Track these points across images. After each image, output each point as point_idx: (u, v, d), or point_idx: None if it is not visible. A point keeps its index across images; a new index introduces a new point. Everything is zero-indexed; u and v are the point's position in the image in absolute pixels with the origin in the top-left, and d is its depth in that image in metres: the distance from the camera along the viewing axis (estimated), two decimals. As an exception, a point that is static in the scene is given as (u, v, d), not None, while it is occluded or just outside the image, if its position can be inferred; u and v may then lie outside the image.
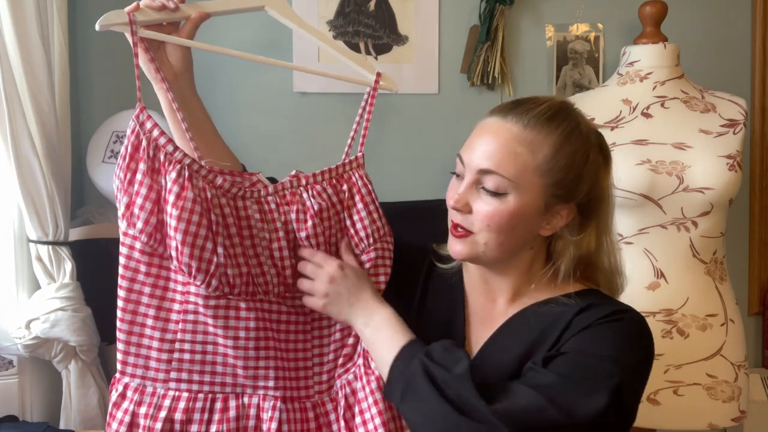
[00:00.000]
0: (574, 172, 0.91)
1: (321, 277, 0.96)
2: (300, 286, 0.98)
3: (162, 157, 0.90)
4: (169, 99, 0.96)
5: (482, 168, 0.89)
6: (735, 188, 1.48)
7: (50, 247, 1.49)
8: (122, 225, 0.91)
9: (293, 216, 0.95)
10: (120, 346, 0.93)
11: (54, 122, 1.48)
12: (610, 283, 1.00)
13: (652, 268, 1.51)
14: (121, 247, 0.91)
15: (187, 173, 0.89)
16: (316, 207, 0.95)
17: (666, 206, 1.48)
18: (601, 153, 0.95)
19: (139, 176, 0.89)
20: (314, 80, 1.82)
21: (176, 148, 0.90)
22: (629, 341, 0.89)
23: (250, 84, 1.84)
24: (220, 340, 0.93)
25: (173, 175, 0.88)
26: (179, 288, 0.92)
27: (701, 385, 1.51)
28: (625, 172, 1.47)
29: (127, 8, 0.91)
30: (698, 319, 1.50)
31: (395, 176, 1.84)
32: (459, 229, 0.93)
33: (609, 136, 1.54)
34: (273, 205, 0.96)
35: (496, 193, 0.89)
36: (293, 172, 0.98)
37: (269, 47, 1.82)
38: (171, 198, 0.88)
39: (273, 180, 1.01)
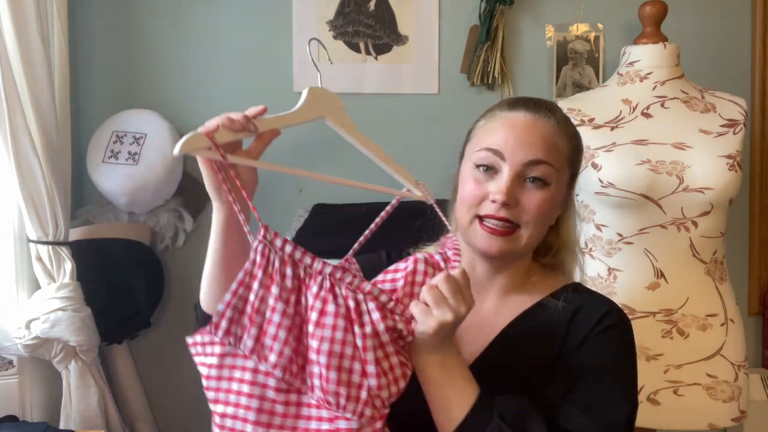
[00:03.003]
0: (580, 166, 1.01)
1: (455, 298, 0.83)
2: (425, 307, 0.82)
3: (302, 273, 0.80)
4: (226, 217, 0.86)
5: (534, 159, 0.92)
6: (735, 188, 1.48)
7: (50, 247, 1.49)
8: (249, 362, 0.78)
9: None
10: None
11: (54, 122, 1.48)
12: (581, 270, 1.07)
13: (652, 268, 1.51)
14: (250, 387, 0.78)
15: (328, 284, 0.79)
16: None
17: (666, 206, 1.48)
18: None
19: (271, 301, 0.78)
20: (314, 80, 1.82)
21: (314, 258, 0.80)
22: (623, 347, 0.95)
23: (250, 84, 1.84)
24: None
25: (314, 289, 0.79)
26: (324, 426, 0.79)
27: (701, 385, 1.51)
28: (625, 172, 1.47)
29: (204, 130, 0.79)
30: (698, 319, 1.50)
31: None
32: (502, 226, 0.92)
33: (609, 136, 1.54)
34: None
35: (544, 184, 0.93)
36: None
37: (269, 47, 1.82)
38: (313, 316, 0.78)
39: None
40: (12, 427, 1.43)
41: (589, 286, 1.58)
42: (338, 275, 0.79)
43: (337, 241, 1.06)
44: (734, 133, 1.53)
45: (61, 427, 1.56)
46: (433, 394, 0.87)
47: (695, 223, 1.49)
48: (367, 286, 0.80)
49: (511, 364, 0.94)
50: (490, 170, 0.93)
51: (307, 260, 0.80)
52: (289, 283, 0.79)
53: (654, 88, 1.59)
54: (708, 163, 1.47)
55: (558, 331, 0.94)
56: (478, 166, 0.94)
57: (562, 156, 0.95)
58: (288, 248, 0.79)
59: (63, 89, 1.60)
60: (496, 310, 1.00)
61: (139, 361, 1.83)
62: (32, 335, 1.47)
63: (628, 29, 1.84)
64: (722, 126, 1.54)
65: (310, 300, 0.79)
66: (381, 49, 1.84)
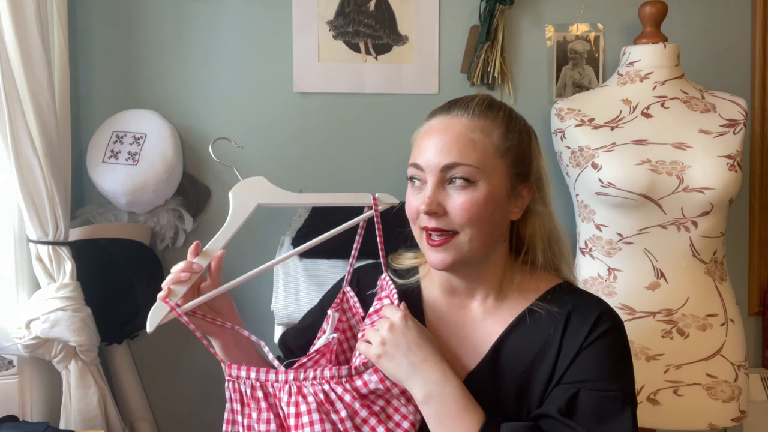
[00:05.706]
0: (524, 150, 0.95)
1: (381, 324, 0.92)
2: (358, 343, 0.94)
3: (271, 389, 0.90)
4: (222, 343, 1.01)
5: (446, 163, 0.90)
6: (735, 188, 1.48)
7: (50, 247, 1.49)
8: None
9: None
10: None
11: (54, 122, 1.48)
12: (569, 266, 1.02)
13: (652, 268, 1.51)
14: None
15: (295, 388, 0.89)
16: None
17: (666, 206, 1.48)
18: (534, 134, 1.00)
19: (256, 426, 0.90)
20: (314, 80, 1.82)
21: (277, 372, 0.91)
22: (618, 353, 0.93)
23: (250, 84, 1.84)
24: None
25: (285, 398, 0.89)
26: None
27: (701, 385, 1.51)
28: (625, 172, 1.47)
29: (161, 296, 0.94)
30: (698, 319, 1.50)
31: (395, 175, 1.84)
32: (439, 236, 0.91)
33: (609, 136, 1.54)
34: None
35: (467, 185, 0.90)
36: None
37: (269, 47, 1.82)
38: (291, 422, 0.87)
39: None
40: (12, 427, 1.43)
41: (589, 286, 1.59)
42: (302, 376, 0.89)
43: (337, 241, 1.06)
44: (734, 133, 1.53)
45: (61, 427, 1.56)
46: (433, 428, 0.88)
47: (695, 223, 1.49)
48: (327, 372, 0.88)
49: (504, 381, 0.92)
50: (419, 185, 0.94)
51: (272, 377, 0.90)
52: (263, 403, 0.90)
53: (654, 88, 1.59)
54: (708, 163, 1.47)
55: (552, 342, 0.92)
56: (410, 183, 0.96)
57: (485, 149, 0.91)
58: (252, 374, 0.90)
59: (63, 89, 1.59)
60: (484, 317, 0.98)
61: (139, 361, 1.83)
62: (32, 335, 1.47)
63: (628, 29, 1.84)
64: (722, 126, 1.54)
65: (285, 409, 0.88)
66: (381, 49, 1.84)
